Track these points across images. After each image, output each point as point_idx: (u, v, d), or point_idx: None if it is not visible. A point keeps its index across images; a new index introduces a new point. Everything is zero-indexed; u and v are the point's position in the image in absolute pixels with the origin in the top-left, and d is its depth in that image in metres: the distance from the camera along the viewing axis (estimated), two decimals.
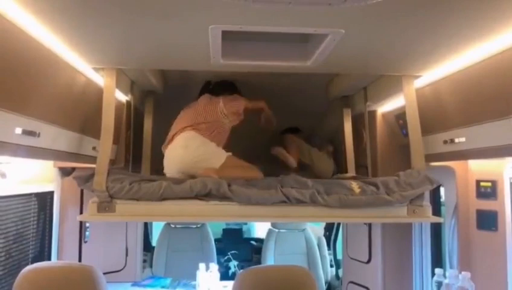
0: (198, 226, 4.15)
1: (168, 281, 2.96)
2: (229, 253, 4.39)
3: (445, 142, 1.96)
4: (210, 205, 1.83)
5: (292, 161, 2.79)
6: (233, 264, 4.32)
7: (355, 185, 1.89)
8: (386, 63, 1.80)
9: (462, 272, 1.90)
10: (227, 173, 2.05)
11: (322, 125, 3.20)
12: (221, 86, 2.51)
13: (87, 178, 1.81)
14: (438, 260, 2.60)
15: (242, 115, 2.42)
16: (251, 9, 1.21)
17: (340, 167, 2.96)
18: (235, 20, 1.33)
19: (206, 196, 1.83)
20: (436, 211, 2.48)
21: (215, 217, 2.01)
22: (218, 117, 2.31)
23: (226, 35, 1.46)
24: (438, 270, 2.04)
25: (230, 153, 2.22)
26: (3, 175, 1.91)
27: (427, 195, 2.19)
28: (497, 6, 1.18)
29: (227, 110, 2.32)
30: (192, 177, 2.02)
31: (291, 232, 4.23)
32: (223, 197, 1.82)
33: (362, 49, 1.60)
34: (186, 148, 2.18)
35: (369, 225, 2.83)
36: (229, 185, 1.83)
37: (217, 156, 2.19)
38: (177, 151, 2.21)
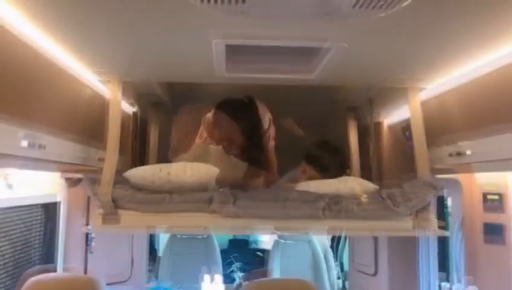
0: (204, 236, 4.14)
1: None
2: (233, 264, 4.36)
3: (450, 155, 1.95)
4: (214, 217, 1.82)
5: (300, 131, 2.80)
6: (237, 276, 4.28)
7: (360, 197, 1.88)
8: (390, 75, 1.80)
9: (469, 287, 1.87)
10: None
11: (328, 136, 3.18)
12: None
13: (93, 181, 1.83)
14: (444, 273, 2.56)
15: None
16: (254, 23, 1.22)
17: None
18: (238, 35, 1.34)
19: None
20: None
21: (219, 229, 2.01)
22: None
23: (230, 48, 1.47)
24: (443, 284, 2.02)
25: (246, 163, 2.28)
26: (9, 186, 1.92)
27: (433, 208, 2.17)
28: (502, 19, 1.17)
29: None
30: None
31: (297, 244, 4.19)
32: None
33: (366, 62, 1.60)
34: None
35: (375, 238, 2.81)
36: (234, 199, 1.83)
37: (237, 168, 2.24)
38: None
